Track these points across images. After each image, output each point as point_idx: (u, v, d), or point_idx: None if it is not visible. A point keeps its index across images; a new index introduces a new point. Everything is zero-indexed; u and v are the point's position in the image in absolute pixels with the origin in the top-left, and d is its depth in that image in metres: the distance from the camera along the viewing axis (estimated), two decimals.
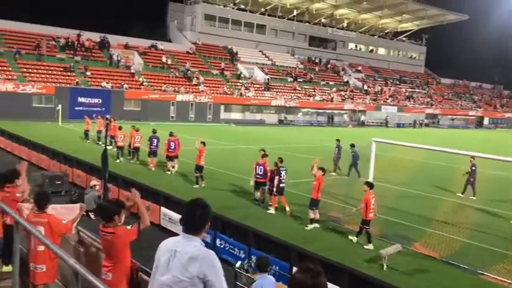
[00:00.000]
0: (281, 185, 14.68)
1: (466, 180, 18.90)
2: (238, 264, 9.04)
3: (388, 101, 72.38)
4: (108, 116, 28.71)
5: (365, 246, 11.94)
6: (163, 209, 12.77)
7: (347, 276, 8.46)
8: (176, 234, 3.48)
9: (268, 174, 15.25)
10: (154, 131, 21.60)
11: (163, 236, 3.49)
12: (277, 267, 9.15)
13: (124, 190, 14.46)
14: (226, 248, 10.68)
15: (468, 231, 13.54)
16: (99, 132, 27.25)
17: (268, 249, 9.75)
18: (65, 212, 6.73)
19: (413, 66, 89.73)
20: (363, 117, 67.24)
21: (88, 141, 27.87)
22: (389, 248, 11.08)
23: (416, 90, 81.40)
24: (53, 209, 6.42)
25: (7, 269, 6.58)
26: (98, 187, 14.40)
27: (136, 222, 5.39)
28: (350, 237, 12.48)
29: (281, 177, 14.65)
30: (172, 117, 49.35)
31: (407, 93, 77.84)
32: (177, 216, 11.75)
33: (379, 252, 10.77)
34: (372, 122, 67.31)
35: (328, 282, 7.22)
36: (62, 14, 56.02)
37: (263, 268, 7.18)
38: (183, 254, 3.27)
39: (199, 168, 17.74)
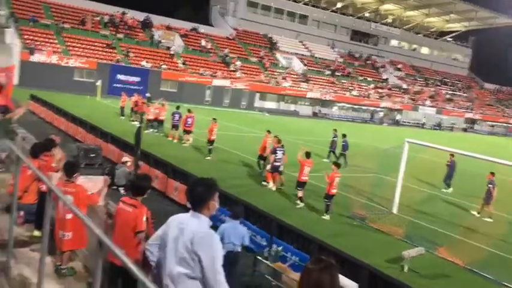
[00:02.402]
0: (275, 163, 16.04)
1: (445, 175, 20.53)
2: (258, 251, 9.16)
3: (427, 102, 70.82)
4: (148, 95, 29.80)
5: (322, 217, 13.59)
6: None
7: (367, 273, 8.45)
8: None
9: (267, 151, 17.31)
10: (177, 107, 24.10)
11: None
12: (298, 258, 9.22)
13: (155, 169, 14.77)
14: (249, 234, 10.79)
15: (495, 241, 13.24)
16: (132, 109, 28.10)
17: (290, 239, 9.82)
18: (90, 184, 6.95)
19: (456, 68, 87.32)
20: (398, 117, 66.11)
21: (123, 117, 28.49)
22: (412, 250, 10.98)
23: (457, 93, 79.28)
24: (79, 180, 6.63)
25: (38, 233, 6.88)
26: (129, 163, 14.72)
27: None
28: (323, 216, 13.64)
29: (276, 156, 16.04)
30: (207, 101, 49.76)
31: (447, 96, 75.94)
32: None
33: (401, 253, 10.69)
34: (408, 122, 66.12)
35: (347, 278, 7.27)
36: None
37: (235, 216, 8.06)
38: (188, 231, 3.45)
39: (210, 142, 20.24)
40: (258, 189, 16.10)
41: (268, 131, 18.43)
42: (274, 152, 16.24)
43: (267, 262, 8.58)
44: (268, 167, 16.48)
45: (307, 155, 14.93)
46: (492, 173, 16.98)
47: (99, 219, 6.54)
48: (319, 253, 8.91)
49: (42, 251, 4.18)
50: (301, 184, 14.65)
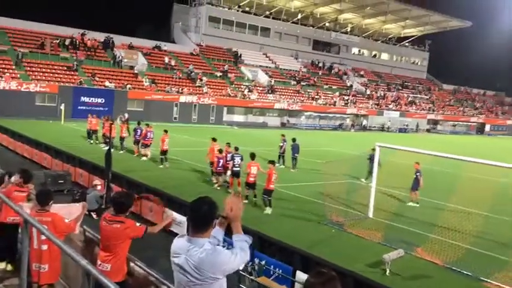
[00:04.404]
0: (235, 169, 17.11)
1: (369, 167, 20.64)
2: (241, 266, 9.01)
3: (391, 106, 72.37)
4: (124, 116, 29.92)
5: (264, 212, 14.65)
6: (166, 210, 12.72)
7: (351, 281, 8.43)
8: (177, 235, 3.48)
9: (223, 161, 17.84)
10: (138, 123, 24.89)
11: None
12: (280, 271, 9.13)
13: (127, 190, 14.42)
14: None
15: (471, 237, 13.46)
16: (94, 131, 27.59)
17: (272, 252, 9.73)
18: (66, 211, 6.66)
19: (415, 72, 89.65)
20: (364, 122, 67.24)
21: (91, 140, 27.87)
22: (392, 253, 11.05)
23: (419, 95, 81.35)
24: (54, 208, 6.36)
25: (9, 267, 6.57)
26: (100, 187, 14.39)
27: (146, 224, 5.58)
28: (265, 212, 14.69)
29: (234, 162, 17.08)
30: (175, 118, 49.34)
31: (409, 99, 77.82)
32: (179, 218, 11.69)
33: (382, 257, 10.74)
34: (374, 127, 67.35)
35: None
36: (66, 13, 56.21)
37: None
38: (191, 260, 3.30)
39: (163, 153, 21.52)
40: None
41: (214, 139, 19.84)
42: (232, 158, 17.13)
43: (251, 277, 8.46)
44: (229, 173, 17.44)
45: (252, 156, 16.19)
46: (417, 163, 18.14)
47: (77, 247, 6.27)
48: (303, 265, 8.85)
49: (21, 287, 3.96)
50: (249, 185, 15.89)
